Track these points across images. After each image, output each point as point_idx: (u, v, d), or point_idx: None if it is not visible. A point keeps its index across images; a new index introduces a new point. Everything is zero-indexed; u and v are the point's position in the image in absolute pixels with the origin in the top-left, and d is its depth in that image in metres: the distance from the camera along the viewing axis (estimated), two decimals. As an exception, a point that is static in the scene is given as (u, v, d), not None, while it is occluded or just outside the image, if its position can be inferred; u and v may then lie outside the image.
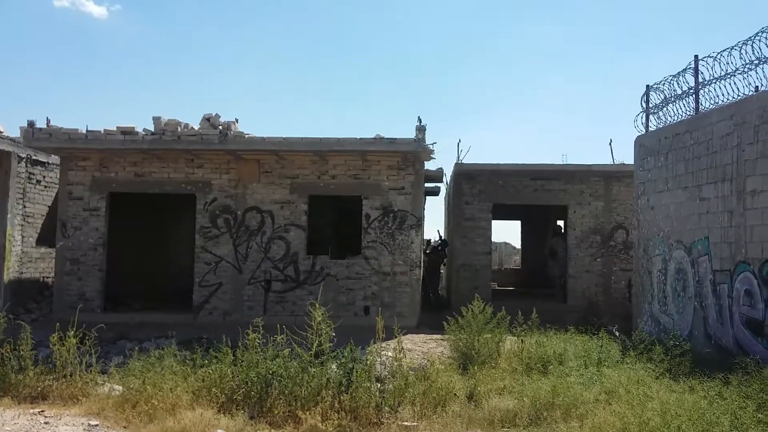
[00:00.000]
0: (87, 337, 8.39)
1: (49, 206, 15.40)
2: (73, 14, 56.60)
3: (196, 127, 13.91)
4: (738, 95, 10.02)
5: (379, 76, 74.45)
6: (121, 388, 7.83)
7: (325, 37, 70.89)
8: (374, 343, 8.14)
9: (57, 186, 14.94)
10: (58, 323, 8.61)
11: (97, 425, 6.97)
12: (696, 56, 11.17)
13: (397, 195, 14.17)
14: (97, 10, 58.38)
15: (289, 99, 73.22)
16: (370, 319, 12.55)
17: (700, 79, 11.09)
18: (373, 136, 13.29)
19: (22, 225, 14.53)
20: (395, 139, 13.23)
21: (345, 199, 15.08)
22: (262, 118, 72.85)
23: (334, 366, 7.57)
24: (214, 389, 7.37)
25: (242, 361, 7.58)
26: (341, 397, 6.93)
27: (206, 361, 8.03)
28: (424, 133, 13.28)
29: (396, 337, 8.09)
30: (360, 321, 12.86)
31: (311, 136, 13.29)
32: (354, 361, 7.47)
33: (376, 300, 13.81)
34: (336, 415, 6.66)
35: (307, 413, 6.68)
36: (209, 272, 13.98)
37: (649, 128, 12.83)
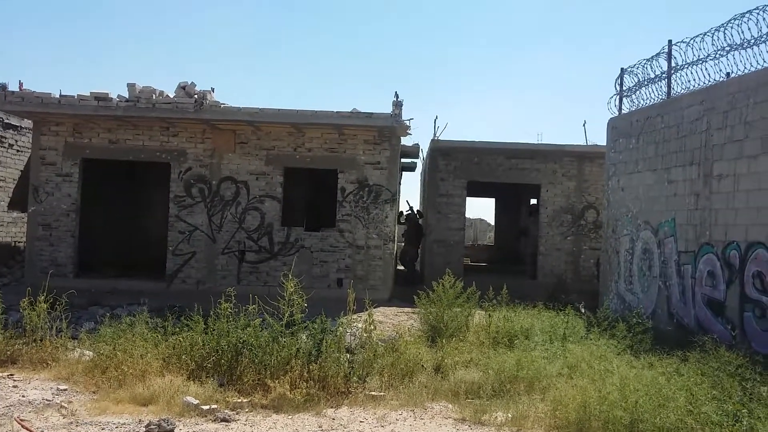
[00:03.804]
0: (58, 303, 8.40)
1: (21, 171, 15.20)
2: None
3: (172, 95, 13.78)
4: (709, 81, 10.21)
5: (357, 51, 73.81)
6: (91, 353, 7.87)
7: (305, 11, 69.98)
8: (345, 315, 8.26)
9: (30, 150, 14.72)
10: (29, 288, 8.62)
11: (66, 389, 7.03)
12: (670, 41, 11.33)
13: (372, 169, 14.22)
14: (72, -30, 56.90)
15: (267, 73, 72.38)
16: (343, 292, 12.56)
17: (673, 64, 11.26)
18: (350, 110, 13.29)
19: (-8, 189, 14.35)
20: (372, 113, 13.24)
21: (320, 172, 15.10)
22: (239, 90, 71.97)
23: (304, 336, 7.68)
24: (184, 357, 7.44)
25: (213, 330, 7.65)
26: (310, 367, 7.04)
27: (178, 329, 8.10)
28: (401, 109, 13.32)
29: (368, 309, 8.23)
30: (333, 293, 12.98)
31: (288, 108, 13.23)
32: (324, 331, 7.57)
33: (350, 273, 13.94)
34: (305, 384, 6.77)
35: (276, 382, 6.78)
36: (183, 241, 13.96)
37: (622, 111, 13.01)
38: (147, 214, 17.75)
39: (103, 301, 11.37)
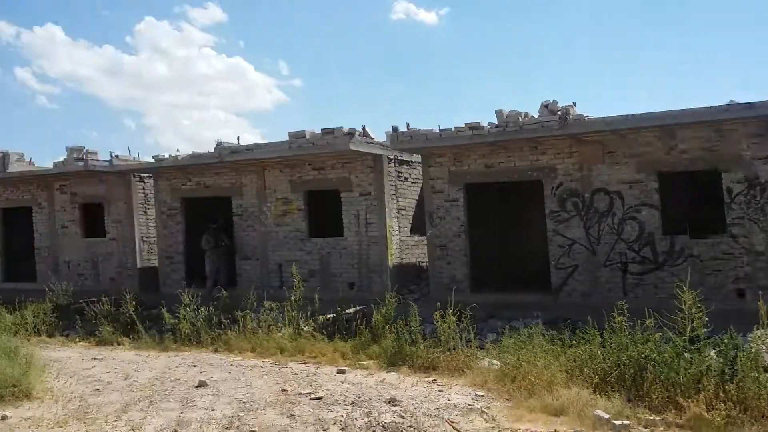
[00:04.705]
0: (462, 315, 9.43)
1: (416, 200, 17.46)
2: (409, 24, 62.29)
3: (536, 116, 14.36)
4: None
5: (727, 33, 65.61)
6: (498, 363, 8.60)
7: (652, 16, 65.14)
8: (757, 329, 7.52)
9: (420, 181, 16.83)
10: (437, 303, 9.85)
11: (482, 396, 7.80)
12: None
13: (762, 165, 12.58)
14: (429, 16, 63.24)
15: (625, 75, 69.21)
16: (745, 304, 11.47)
17: None
18: (726, 104, 12.09)
19: (397, 217, 16.74)
20: (753, 103, 11.76)
21: (694, 173, 13.95)
22: (593, 99, 70.25)
23: (712, 353, 7.22)
24: (586, 369, 7.64)
25: (611, 344, 7.71)
26: (725, 387, 6.59)
27: (574, 342, 8.35)
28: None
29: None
30: (731, 305, 11.70)
31: (655, 111, 12.63)
32: (736, 348, 7.02)
33: (751, 283, 12.44)
34: (722, 405, 6.36)
35: (689, 401, 6.52)
36: (563, 255, 14.20)
37: None
38: (522, 231, 18.58)
39: (498, 314, 12.27)
